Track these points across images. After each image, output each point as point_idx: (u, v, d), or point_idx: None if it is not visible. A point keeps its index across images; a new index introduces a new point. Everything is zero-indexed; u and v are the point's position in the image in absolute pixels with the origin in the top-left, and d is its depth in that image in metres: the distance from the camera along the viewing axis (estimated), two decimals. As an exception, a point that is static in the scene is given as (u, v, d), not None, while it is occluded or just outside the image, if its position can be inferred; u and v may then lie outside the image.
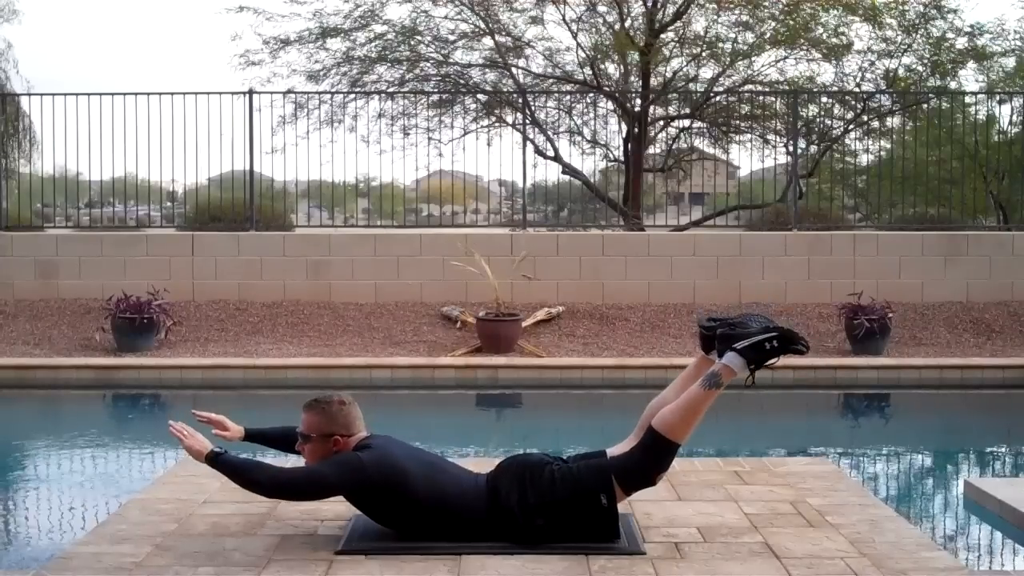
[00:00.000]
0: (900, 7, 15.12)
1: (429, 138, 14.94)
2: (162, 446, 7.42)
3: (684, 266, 11.35)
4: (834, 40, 15.21)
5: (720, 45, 15.60)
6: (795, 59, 15.84)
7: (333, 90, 15.75)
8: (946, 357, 9.84)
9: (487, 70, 16.82)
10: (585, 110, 16.48)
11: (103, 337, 10.25)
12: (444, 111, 15.98)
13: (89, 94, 11.95)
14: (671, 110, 16.71)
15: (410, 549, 3.77)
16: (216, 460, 3.77)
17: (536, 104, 15.47)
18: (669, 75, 16.21)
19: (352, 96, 15.51)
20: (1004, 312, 11.05)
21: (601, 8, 15.74)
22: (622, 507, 3.95)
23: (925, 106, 14.76)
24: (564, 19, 15.64)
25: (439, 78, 16.75)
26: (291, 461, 4.40)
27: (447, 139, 15.14)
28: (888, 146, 16.48)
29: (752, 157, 17.52)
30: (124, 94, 11.90)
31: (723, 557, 3.76)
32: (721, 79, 15.99)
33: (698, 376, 4.03)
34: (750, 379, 3.88)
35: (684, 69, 16.23)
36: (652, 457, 3.87)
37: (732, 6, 15.15)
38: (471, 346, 10.08)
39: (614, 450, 4.04)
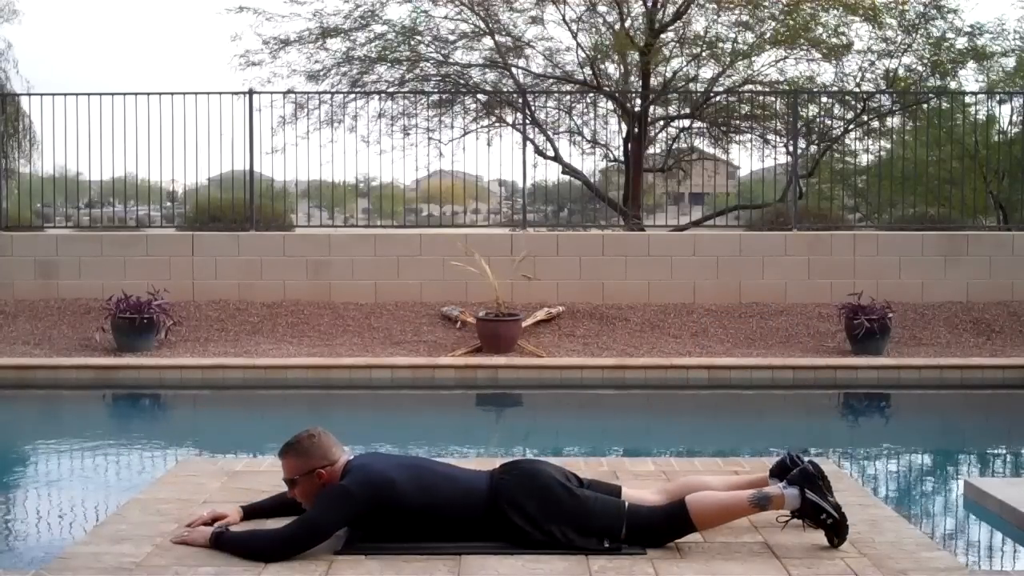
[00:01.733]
0: (900, 7, 15.12)
1: (429, 138, 14.95)
2: (162, 446, 7.43)
3: (684, 266, 11.35)
4: (834, 40, 15.21)
5: (720, 45, 15.60)
6: (795, 59, 15.86)
7: (333, 90, 15.76)
8: (946, 357, 9.83)
9: (487, 70, 16.82)
10: (585, 110, 16.49)
11: (103, 337, 10.25)
12: (444, 111, 15.97)
13: (89, 94, 11.96)
14: (671, 110, 16.72)
15: (410, 549, 3.78)
16: (219, 541, 3.81)
17: (536, 104, 15.48)
18: (669, 75, 16.21)
19: (352, 96, 15.51)
20: (1004, 312, 11.05)
21: (601, 8, 15.74)
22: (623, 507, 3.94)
23: (925, 106, 14.76)
24: (564, 19, 15.65)
25: (439, 78, 16.76)
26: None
27: (447, 139, 15.17)
28: (888, 146, 16.49)
29: (752, 157, 17.55)
30: (124, 94, 11.92)
31: (723, 557, 3.76)
32: (721, 79, 15.99)
33: (751, 485, 4.09)
34: (783, 519, 3.94)
35: (684, 69, 16.24)
36: (671, 529, 3.88)
37: (732, 6, 15.15)
38: (471, 346, 10.08)
39: (629, 492, 4.08)
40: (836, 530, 3.86)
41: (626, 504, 3.93)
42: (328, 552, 3.76)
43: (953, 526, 5.48)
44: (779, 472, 4.10)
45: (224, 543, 3.79)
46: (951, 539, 5.14)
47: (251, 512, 4.15)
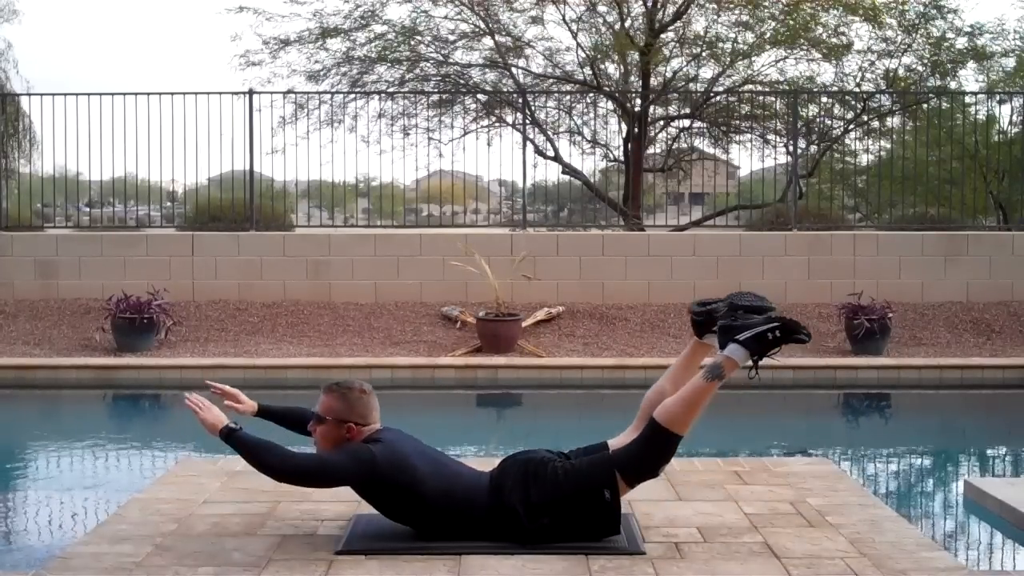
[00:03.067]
0: (900, 7, 15.12)
1: (429, 138, 14.95)
2: (162, 446, 7.43)
3: (684, 266, 11.35)
4: (834, 40, 15.22)
5: (720, 45, 15.61)
6: (795, 59, 15.86)
7: (333, 90, 15.76)
8: (946, 357, 9.83)
9: (487, 70, 16.82)
10: (585, 110, 16.49)
11: (103, 337, 10.25)
12: (444, 111, 15.98)
13: (89, 94, 11.96)
14: (671, 110, 16.72)
15: (410, 549, 3.78)
16: (230, 436, 3.77)
17: (536, 104, 15.48)
18: (669, 75, 16.21)
19: (352, 96, 15.51)
20: (1004, 312, 11.05)
21: (601, 8, 15.74)
22: (623, 507, 3.94)
23: (925, 106, 14.76)
24: (564, 19, 15.65)
25: (439, 78, 16.75)
26: (299, 444, 4.40)
27: (447, 139, 15.17)
28: (888, 146, 16.49)
29: (752, 157, 17.56)
30: (124, 94, 11.91)
31: (723, 557, 3.76)
32: (721, 79, 15.99)
33: (693, 363, 4.06)
34: (753, 371, 3.87)
35: (684, 69, 16.24)
36: (654, 449, 3.87)
37: (732, 6, 15.15)
38: (471, 346, 10.08)
39: (615, 441, 4.04)
40: (789, 331, 3.79)
41: (609, 449, 3.95)
42: (328, 552, 3.76)
43: (953, 526, 5.48)
44: (701, 331, 4.06)
45: (235, 441, 3.75)
46: (951, 539, 5.14)
47: (265, 412, 4.18)
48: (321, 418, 3.93)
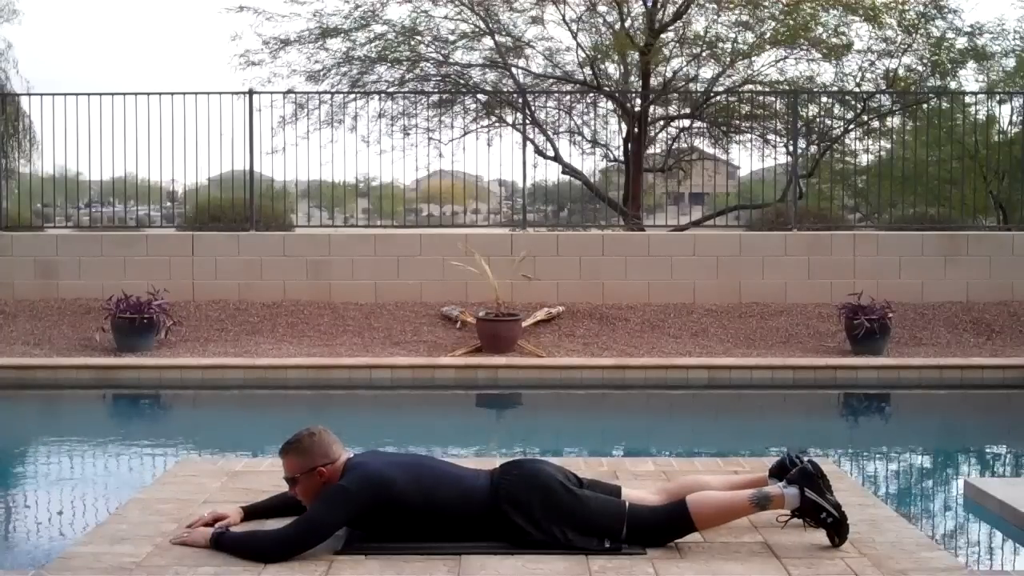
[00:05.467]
0: (900, 7, 15.12)
1: (429, 138, 14.95)
2: (162, 446, 7.43)
3: (684, 266, 11.35)
4: (834, 40, 15.22)
5: (720, 45, 15.61)
6: (795, 59, 15.87)
7: (333, 90, 15.76)
8: (946, 357, 9.83)
9: (487, 70, 16.83)
10: (585, 110, 16.50)
11: (103, 337, 10.25)
12: (444, 111, 15.99)
13: (89, 94, 11.96)
14: (671, 110, 16.72)
15: (410, 549, 3.78)
16: (219, 542, 3.81)
17: (536, 104, 15.48)
18: (669, 75, 16.21)
19: (352, 96, 15.51)
20: (1004, 312, 11.05)
21: (601, 8, 15.74)
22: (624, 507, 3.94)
23: (925, 106, 14.76)
24: (564, 19, 15.65)
25: (439, 78, 16.76)
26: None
27: (447, 139, 15.17)
28: (888, 146, 16.49)
29: (752, 157, 17.54)
30: (124, 94, 11.92)
31: (723, 557, 3.76)
32: (721, 79, 15.99)
33: (750, 485, 4.10)
34: (783, 519, 3.96)
35: (684, 69, 16.25)
36: (670, 528, 3.90)
37: (732, 6, 15.15)
38: (471, 346, 10.08)
39: (630, 493, 4.08)
40: (837, 529, 3.87)
41: (627, 504, 3.94)
42: (328, 552, 3.76)
43: (953, 526, 5.48)
44: (778, 472, 4.10)
45: (224, 544, 3.79)
46: (951, 539, 5.14)
47: (252, 512, 4.15)
48: (292, 479, 3.94)
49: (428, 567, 3.62)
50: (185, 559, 3.71)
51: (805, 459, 4.04)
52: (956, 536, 5.22)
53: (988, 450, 7.64)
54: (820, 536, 3.90)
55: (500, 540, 3.82)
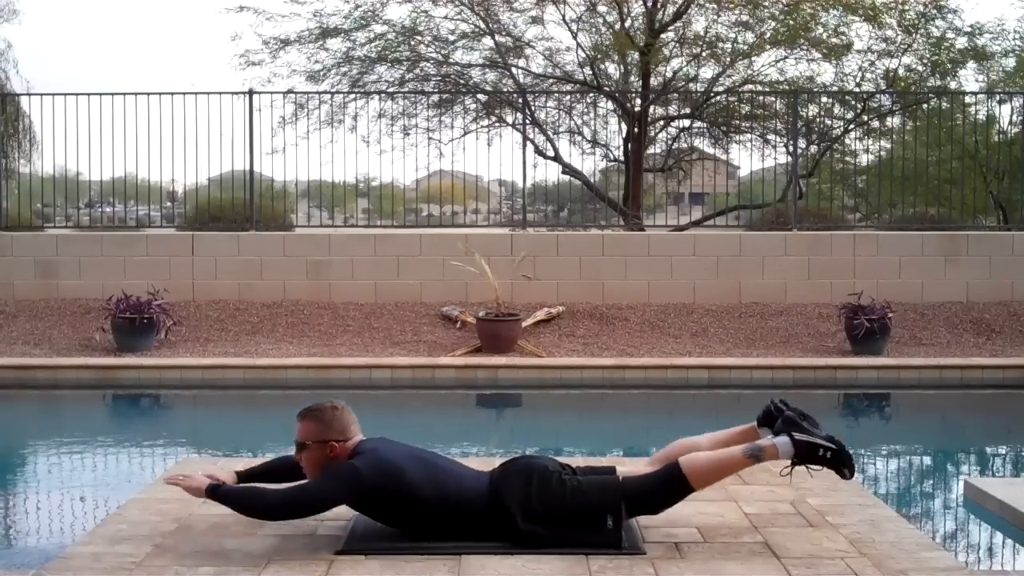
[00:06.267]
0: (900, 7, 15.12)
1: (429, 138, 14.95)
2: (162, 446, 7.43)
3: (684, 266, 11.35)
4: (834, 40, 15.22)
5: (720, 45, 15.61)
6: (795, 59, 15.87)
7: (333, 90, 15.76)
8: (946, 357, 9.83)
9: (487, 70, 16.83)
10: (585, 110, 16.49)
11: (103, 337, 10.25)
12: (444, 111, 15.98)
13: (89, 94, 11.96)
14: (671, 110, 16.72)
15: (410, 549, 3.77)
16: (215, 493, 3.81)
17: (536, 104, 15.47)
18: (669, 75, 16.22)
19: (352, 96, 15.51)
20: (1004, 312, 11.05)
21: (601, 8, 15.74)
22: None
23: (925, 106, 14.76)
24: (564, 19, 15.66)
25: (439, 78, 16.76)
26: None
27: (447, 139, 15.18)
28: (888, 146, 16.49)
29: (752, 157, 17.51)
30: (124, 94, 11.91)
31: (723, 557, 3.75)
32: (721, 79, 15.99)
33: (737, 439, 4.09)
34: (787, 470, 3.95)
35: (684, 69, 16.25)
36: (667, 492, 3.89)
37: (732, 6, 15.16)
38: (471, 346, 10.08)
39: (625, 470, 4.06)
40: (839, 459, 3.84)
41: (621, 477, 3.94)
42: (328, 552, 3.76)
43: (953, 526, 5.48)
44: (766, 421, 4.09)
45: (221, 495, 3.79)
46: (951, 539, 5.14)
47: (245, 477, 4.17)
48: (302, 445, 3.94)
49: (428, 567, 3.62)
50: (185, 559, 3.71)
51: (786, 406, 4.02)
52: (956, 536, 5.22)
53: (988, 450, 7.64)
54: (820, 537, 3.90)
55: (501, 539, 3.81)
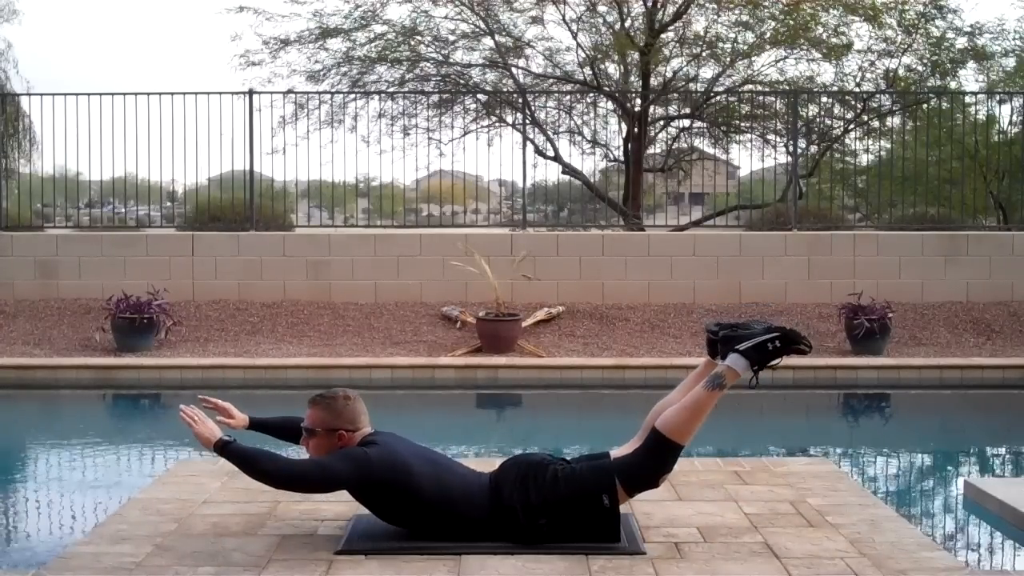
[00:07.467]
0: (900, 7, 15.12)
1: (429, 138, 14.94)
2: (162, 446, 7.43)
3: (684, 266, 11.35)
4: (834, 40, 15.22)
5: (720, 45, 15.61)
6: (795, 59, 15.87)
7: (333, 90, 15.76)
8: (946, 357, 9.83)
9: (487, 70, 16.83)
10: (585, 110, 16.49)
11: (103, 337, 10.25)
12: (444, 111, 15.98)
13: (89, 94, 11.96)
14: (671, 110, 16.72)
15: (410, 549, 3.77)
16: (225, 448, 3.77)
17: (536, 104, 15.47)
18: (669, 75, 16.21)
19: (352, 96, 15.52)
20: (1004, 312, 11.05)
21: (601, 8, 15.74)
22: (622, 507, 3.94)
23: (925, 106, 14.76)
24: (564, 19, 15.66)
25: (439, 78, 16.76)
26: (292, 452, 4.42)
27: (447, 139, 15.15)
28: (888, 146, 16.49)
29: (752, 157, 17.52)
30: (124, 94, 11.91)
31: (723, 557, 3.76)
32: (721, 79, 16.00)
33: (704, 374, 4.06)
34: (753, 380, 3.92)
35: (684, 69, 16.25)
36: (655, 458, 3.89)
37: (732, 6, 15.15)
38: (471, 346, 10.08)
39: (617, 452, 4.05)
40: (789, 341, 3.88)
41: (611, 458, 3.96)
42: (328, 552, 3.76)
43: (953, 526, 5.48)
44: (713, 352, 4.08)
45: (230, 452, 3.76)
46: (951, 539, 5.14)
47: (257, 424, 4.19)
48: (311, 431, 3.94)
49: (428, 567, 3.62)
50: (185, 559, 3.71)
51: (719, 327, 4.04)
52: (956, 536, 5.22)
53: (988, 450, 7.64)
54: (820, 537, 3.90)
55: (504, 540, 3.82)
